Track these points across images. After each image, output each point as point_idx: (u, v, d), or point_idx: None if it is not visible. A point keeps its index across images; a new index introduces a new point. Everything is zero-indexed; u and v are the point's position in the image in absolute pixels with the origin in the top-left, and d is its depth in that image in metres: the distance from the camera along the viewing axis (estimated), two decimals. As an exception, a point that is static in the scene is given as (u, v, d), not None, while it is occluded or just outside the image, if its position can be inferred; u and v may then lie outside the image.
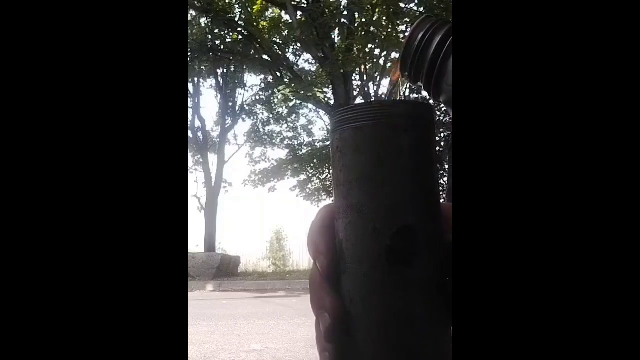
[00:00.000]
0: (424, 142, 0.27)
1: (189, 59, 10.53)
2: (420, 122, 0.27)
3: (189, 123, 13.53)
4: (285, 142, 14.81)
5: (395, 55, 11.24)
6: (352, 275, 0.27)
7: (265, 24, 12.27)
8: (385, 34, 10.17)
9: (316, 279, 0.28)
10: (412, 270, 0.26)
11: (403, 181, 0.26)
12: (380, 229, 0.26)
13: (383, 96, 11.21)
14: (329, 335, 0.27)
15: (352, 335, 0.27)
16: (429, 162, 0.27)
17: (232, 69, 14.01)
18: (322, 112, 12.80)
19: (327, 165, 14.05)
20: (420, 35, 0.40)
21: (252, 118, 15.00)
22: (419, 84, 0.43)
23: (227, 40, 12.24)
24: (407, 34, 0.42)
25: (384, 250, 0.26)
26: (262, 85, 14.11)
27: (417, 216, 0.26)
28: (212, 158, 14.48)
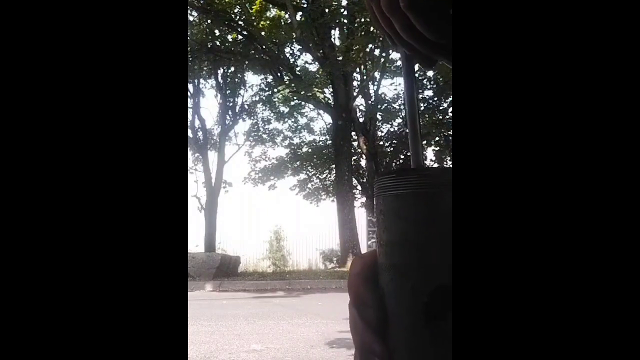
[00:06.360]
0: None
1: (189, 59, 10.53)
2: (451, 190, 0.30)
3: (189, 123, 13.53)
4: (287, 141, 14.81)
5: (395, 55, 11.26)
6: (394, 327, 0.30)
7: (265, 24, 12.25)
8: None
9: (358, 323, 0.31)
10: (447, 324, 0.28)
11: (438, 244, 0.29)
12: (418, 288, 0.29)
13: (383, 96, 11.22)
14: None
15: None
16: None
17: (232, 69, 14.00)
18: (322, 112, 12.80)
19: (327, 164, 14.06)
20: None
21: (252, 118, 15.00)
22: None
23: (227, 40, 12.23)
24: None
25: (421, 306, 0.29)
26: (262, 85, 14.11)
27: (451, 275, 0.29)
28: (212, 158, 14.50)
